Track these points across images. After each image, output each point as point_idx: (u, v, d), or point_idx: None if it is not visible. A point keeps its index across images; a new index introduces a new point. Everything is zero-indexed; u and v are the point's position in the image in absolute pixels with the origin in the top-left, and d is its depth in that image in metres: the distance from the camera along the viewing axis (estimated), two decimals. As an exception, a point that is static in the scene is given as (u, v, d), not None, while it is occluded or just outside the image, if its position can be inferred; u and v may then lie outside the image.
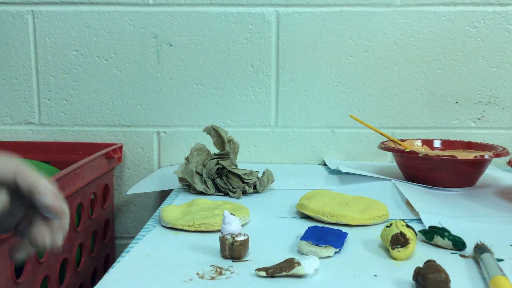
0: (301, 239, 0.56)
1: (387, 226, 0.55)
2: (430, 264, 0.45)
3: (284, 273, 0.48)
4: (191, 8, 1.07)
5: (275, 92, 1.10)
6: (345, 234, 0.58)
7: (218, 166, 0.83)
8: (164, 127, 1.11)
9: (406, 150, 0.87)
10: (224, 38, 1.08)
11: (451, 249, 0.56)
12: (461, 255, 0.54)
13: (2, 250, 0.59)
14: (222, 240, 0.53)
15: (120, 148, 1.07)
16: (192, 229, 0.62)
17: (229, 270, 0.50)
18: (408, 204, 0.75)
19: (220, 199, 0.76)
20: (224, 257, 0.53)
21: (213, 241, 0.58)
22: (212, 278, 0.48)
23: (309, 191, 0.77)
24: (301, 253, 0.54)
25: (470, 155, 0.83)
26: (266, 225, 0.66)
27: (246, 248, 0.53)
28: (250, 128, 1.11)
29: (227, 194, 0.81)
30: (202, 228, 0.62)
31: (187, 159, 0.84)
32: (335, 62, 1.09)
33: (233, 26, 1.08)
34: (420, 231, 0.59)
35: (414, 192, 0.80)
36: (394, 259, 0.53)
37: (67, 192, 0.78)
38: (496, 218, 0.68)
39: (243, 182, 0.82)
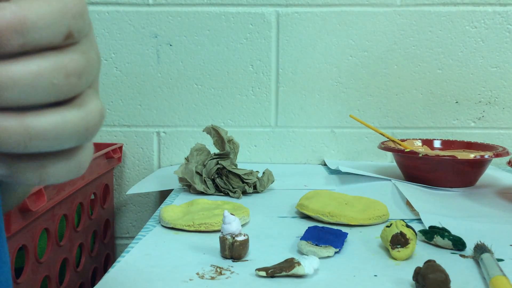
0: (301, 239, 0.56)
1: (387, 226, 0.55)
2: (430, 264, 0.45)
3: (284, 273, 0.48)
4: (191, 8, 1.07)
5: (275, 92, 1.10)
6: (345, 234, 0.58)
7: (218, 166, 0.83)
8: (164, 127, 1.11)
9: (406, 150, 0.87)
10: (224, 38, 1.08)
11: (451, 249, 0.56)
12: (461, 255, 0.54)
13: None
14: (222, 240, 0.53)
15: (120, 148, 1.07)
16: (192, 229, 0.62)
17: (229, 270, 0.50)
18: (408, 204, 0.75)
19: (220, 199, 0.76)
20: (224, 257, 0.53)
21: (213, 241, 0.58)
22: (212, 278, 0.48)
23: (309, 191, 0.77)
24: (301, 253, 0.54)
25: (470, 155, 0.83)
26: (266, 225, 0.66)
27: (246, 248, 0.53)
28: (250, 128, 1.11)
29: (227, 194, 0.81)
30: (202, 228, 0.62)
31: (187, 159, 0.84)
32: (335, 62, 1.09)
33: (233, 26, 1.08)
34: (420, 231, 0.59)
35: (414, 192, 0.80)
36: (394, 259, 0.53)
37: (67, 192, 0.78)
38: (496, 218, 0.68)
39: (243, 182, 0.82)
